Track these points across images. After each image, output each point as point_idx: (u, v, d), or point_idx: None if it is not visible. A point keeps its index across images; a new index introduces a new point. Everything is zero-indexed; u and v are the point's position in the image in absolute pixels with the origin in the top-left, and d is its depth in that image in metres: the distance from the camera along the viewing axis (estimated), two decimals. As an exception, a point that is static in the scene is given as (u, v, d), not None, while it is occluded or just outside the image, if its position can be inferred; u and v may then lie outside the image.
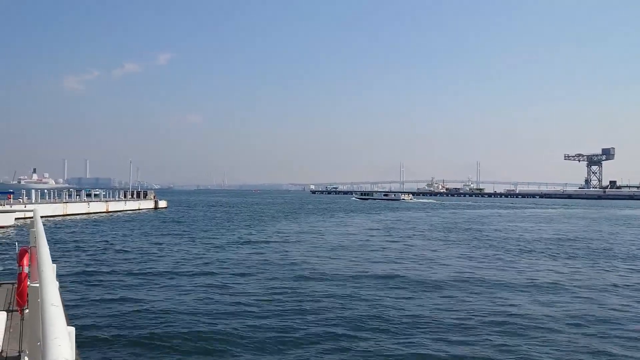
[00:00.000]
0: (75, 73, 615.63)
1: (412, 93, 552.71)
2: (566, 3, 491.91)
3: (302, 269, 17.76)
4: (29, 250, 5.60)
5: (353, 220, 47.27)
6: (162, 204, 67.78)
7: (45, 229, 5.42)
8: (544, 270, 18.23)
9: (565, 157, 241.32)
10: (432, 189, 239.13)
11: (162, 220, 43.59)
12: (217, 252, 22.44)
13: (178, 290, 13.86)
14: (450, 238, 30.40)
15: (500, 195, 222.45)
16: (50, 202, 46.03)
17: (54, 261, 4.03)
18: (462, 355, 8.92)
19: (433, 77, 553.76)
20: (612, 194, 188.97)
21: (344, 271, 17.34)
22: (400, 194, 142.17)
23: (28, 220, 27.53)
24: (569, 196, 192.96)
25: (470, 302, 12.94)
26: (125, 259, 19.82)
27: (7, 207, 36.83)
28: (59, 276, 6.29)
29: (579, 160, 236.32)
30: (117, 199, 60.95)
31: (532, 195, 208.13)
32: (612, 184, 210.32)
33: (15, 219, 34.47)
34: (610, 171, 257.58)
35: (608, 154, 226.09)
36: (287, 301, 12.67)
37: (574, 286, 15.22)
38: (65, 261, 18.57)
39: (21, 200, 44.61)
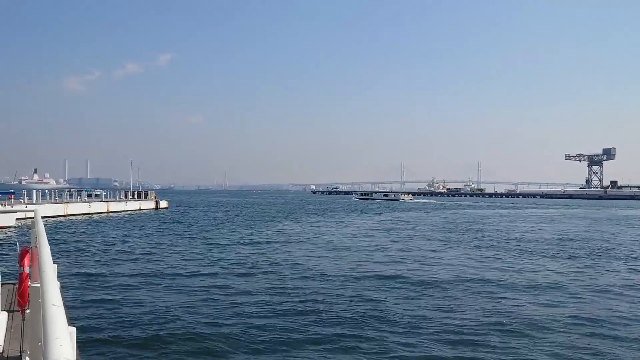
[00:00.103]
0: (75, 73, 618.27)
1: (412, 93, 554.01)
2: (566, 3, 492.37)
3: (303, 269, 17.75)
4: (30, 251, 5.59)
5: (353, 221, 47.25)
6: (163, 204, 67.94)
7: (46, 229, 5.43)
8: (545, 271, 18.21)
9: (566, 157, 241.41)
10: (432, 189, 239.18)
11: (163, 221, 43.62)
12: (218, 252, 22.44)
13: (179, 291, 13.86)
14: (451, 238, 30.37)
15: (501, 195, 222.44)
16: (51, 203, 46.09)
17: (54, 261, 4.03)
18: (462, 355, 8.90)
19: (433, 77, 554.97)
20: (613, 194, 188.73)
21: (345, 271, 17.33)
22: (399, 194, 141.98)
23: (29, 221, 27.50)
24: (570, 196, 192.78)
25: (471, 302, 12.93)
26: (127, 260, 19.82)
27: (8, 208, 36.92)
28: (59, 276, 6.30)
29: (580, 160, 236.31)
30: (118, 199, 61.05)
31: (533, 195, 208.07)
32: (613, 184, 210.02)
33: (16, 219, 34.46)
34: (611, 171, 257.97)
35: (609, 154, 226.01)
36: (287, 301, 12.67)
37: (575, 286, 15.21)
38: (66, 261, 18.57)
39: (22, 200, 44.68)
